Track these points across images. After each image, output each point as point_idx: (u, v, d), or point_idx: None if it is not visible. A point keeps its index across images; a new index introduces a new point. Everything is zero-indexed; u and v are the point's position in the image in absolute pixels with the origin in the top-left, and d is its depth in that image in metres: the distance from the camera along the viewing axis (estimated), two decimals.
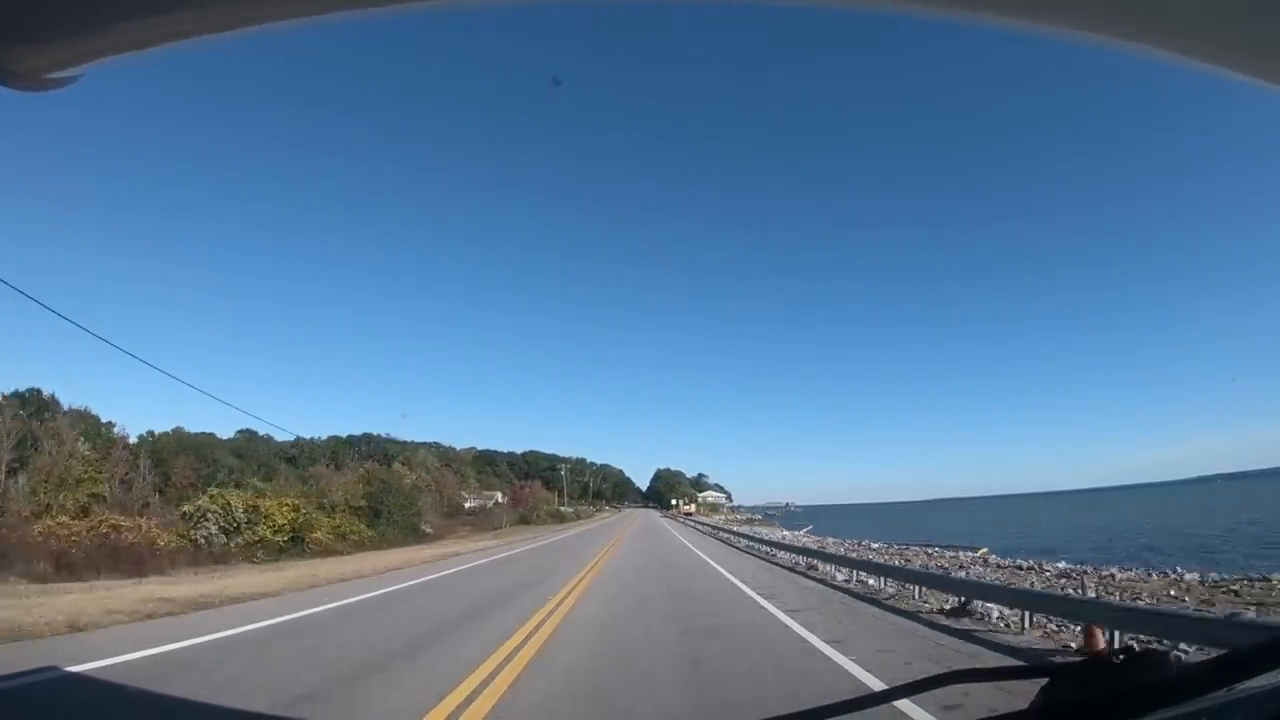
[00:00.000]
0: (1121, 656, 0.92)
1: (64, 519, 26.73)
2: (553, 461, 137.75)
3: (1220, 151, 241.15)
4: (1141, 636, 6.60)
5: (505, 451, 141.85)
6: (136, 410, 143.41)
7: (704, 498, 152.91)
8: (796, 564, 19.95)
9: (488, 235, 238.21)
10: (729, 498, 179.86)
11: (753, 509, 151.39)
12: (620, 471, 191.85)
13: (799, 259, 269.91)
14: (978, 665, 6.47)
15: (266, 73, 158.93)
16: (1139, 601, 12.25)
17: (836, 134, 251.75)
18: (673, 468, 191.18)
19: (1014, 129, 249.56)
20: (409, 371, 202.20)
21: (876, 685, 5.70)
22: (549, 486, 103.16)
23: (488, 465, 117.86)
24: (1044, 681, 0.96)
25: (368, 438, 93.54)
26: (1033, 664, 2.83)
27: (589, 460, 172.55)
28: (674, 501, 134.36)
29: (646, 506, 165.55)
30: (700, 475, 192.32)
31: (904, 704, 4.50)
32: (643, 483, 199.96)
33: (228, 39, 0.84)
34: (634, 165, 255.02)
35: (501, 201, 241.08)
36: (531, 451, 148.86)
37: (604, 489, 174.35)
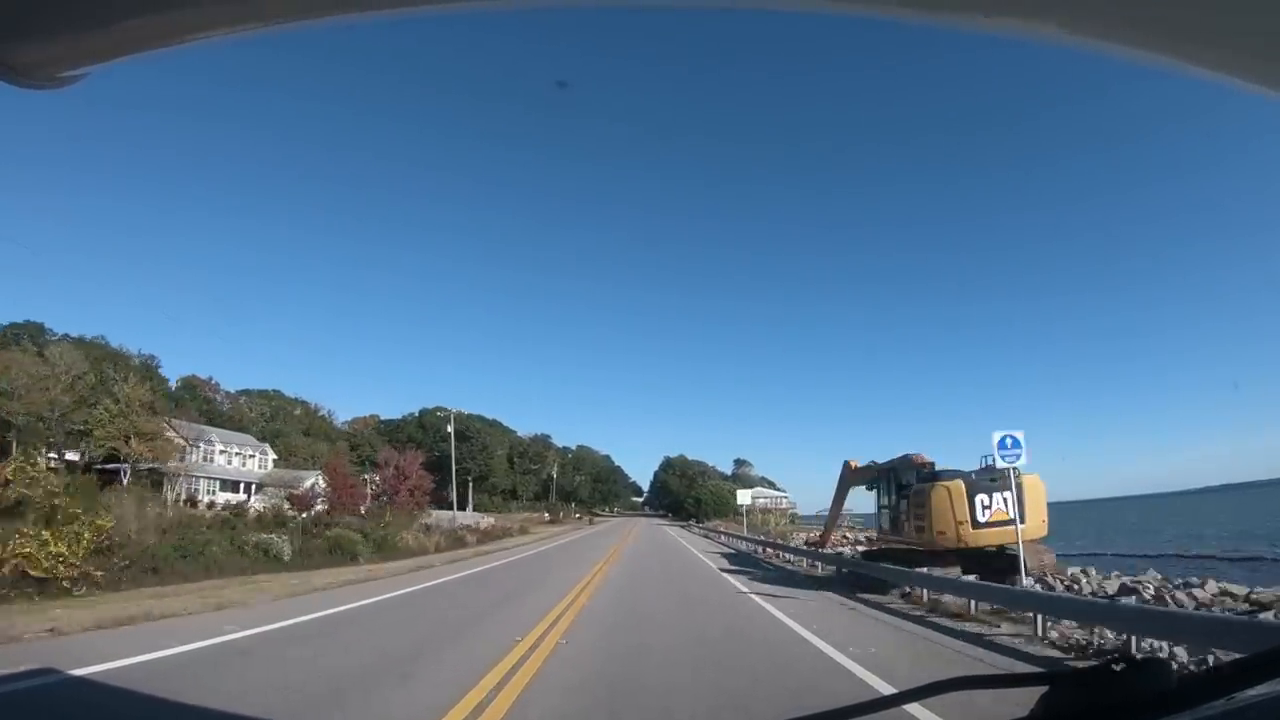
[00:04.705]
0: (1123, 664, 0.92)
1: None
2: (467, 424, 74.99)
3: (1229, 155, 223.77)
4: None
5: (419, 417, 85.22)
6: None
7: (750, 500, 56.80)
8: None
9: (468, 205, 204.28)
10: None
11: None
12: (607, 459, 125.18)
13: (842, 240, 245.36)
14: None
15: (268, 73, 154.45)
16: None
17: (873, 129, 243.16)
18: (689, 456, 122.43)
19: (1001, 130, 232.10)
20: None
21: None
22: (436, 468, 50.74)
23: (391, 433, 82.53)
24: (1045, 689, 0.97)
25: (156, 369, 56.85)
26: (1034, 671, 2.78)
27: (553, 440, 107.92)
28: (743, 505, 48.99)
29: (649, 515, 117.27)
30: (741, 463, 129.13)
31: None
32: (643, 479, 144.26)
33: (232, 40, 0.84)
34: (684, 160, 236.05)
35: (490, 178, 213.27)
36: (428, 410, 79.16)
37: (578, 485, 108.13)
